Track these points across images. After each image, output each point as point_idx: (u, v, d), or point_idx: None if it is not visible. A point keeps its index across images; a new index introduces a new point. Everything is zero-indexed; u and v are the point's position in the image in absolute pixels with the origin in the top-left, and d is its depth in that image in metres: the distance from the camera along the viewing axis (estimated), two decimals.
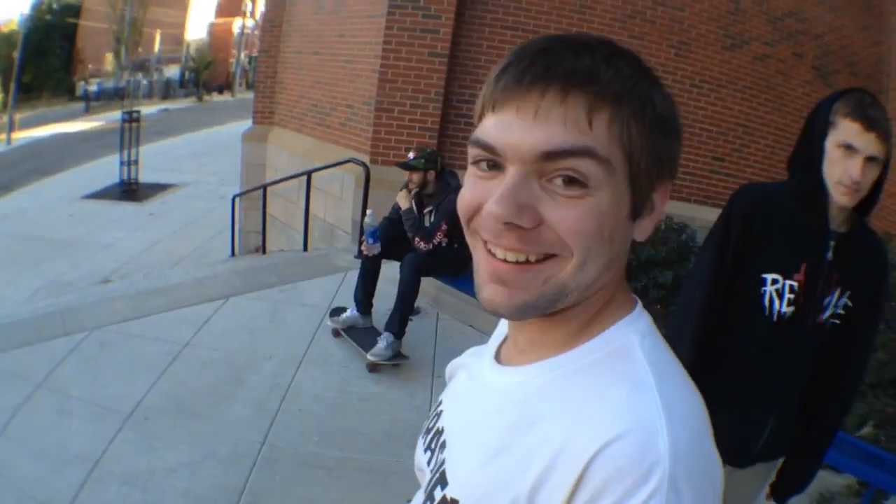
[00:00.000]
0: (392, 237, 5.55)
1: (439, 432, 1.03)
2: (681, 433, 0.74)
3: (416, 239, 5.43)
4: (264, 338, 5.63)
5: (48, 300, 7.42)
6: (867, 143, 2.00)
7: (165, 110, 38.10)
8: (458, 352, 4.06)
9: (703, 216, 8.26)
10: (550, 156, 0.77)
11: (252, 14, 57.68)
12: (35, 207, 15.07)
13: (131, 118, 16.57)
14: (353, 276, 6.71)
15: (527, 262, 0.81)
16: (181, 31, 53.24)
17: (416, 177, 5.51)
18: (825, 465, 3.53)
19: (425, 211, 5.57)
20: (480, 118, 0.85)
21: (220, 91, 53.28)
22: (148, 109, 18.72)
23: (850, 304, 2.21)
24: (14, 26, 52.75)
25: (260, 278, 6.86)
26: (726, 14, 8.58)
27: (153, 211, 14.90)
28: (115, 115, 30.65)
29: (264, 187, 9.34)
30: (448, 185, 5.54)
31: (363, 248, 5.53)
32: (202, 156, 21.64)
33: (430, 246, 5.41)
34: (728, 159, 8.96)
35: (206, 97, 48.71)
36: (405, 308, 5.30)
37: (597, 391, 0.80)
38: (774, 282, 2.17)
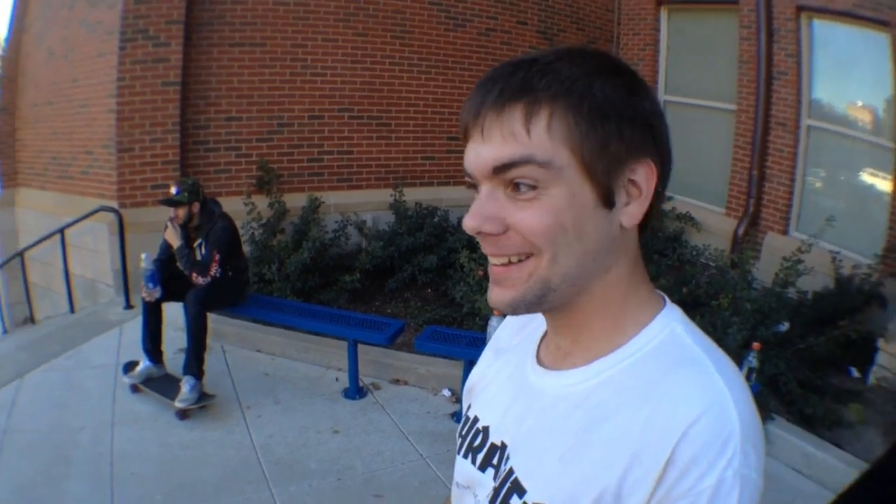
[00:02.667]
0: (167, 278, 5.42)
1: (498, 447, 1.07)
2: (743, 406, 0.86)
3: (194, 274, 5.34)
4: (70, 409, 5.39)
5: None
6: None
7: None
8: (254, 379, 3.95)
9: (449, 196, 8.62)
10: (497, 170, 0.90)
11: None
12: None
13: None
14: (129, 328, 6.59)
15: (510, 262, 0.93)
16: None
17: (182, 211, 5.37)
18: None
19: (195, 245, 5.46)
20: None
21: None
22: None
23: None
24: None
25: (44, 349, 6.57)
26: None
27: None
28: None
29: (20, 254, 8.87)
30: (213, 213, 5.47)
31: (143, 293, 5.36)
32: None
33: (209, 279, 5.34)
34: None
35: None
36: (199, 347, 5.21)
37: (662, 379, 0.89)
38: None
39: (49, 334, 7.24)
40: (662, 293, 1.03)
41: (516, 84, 0.89)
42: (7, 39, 10.75)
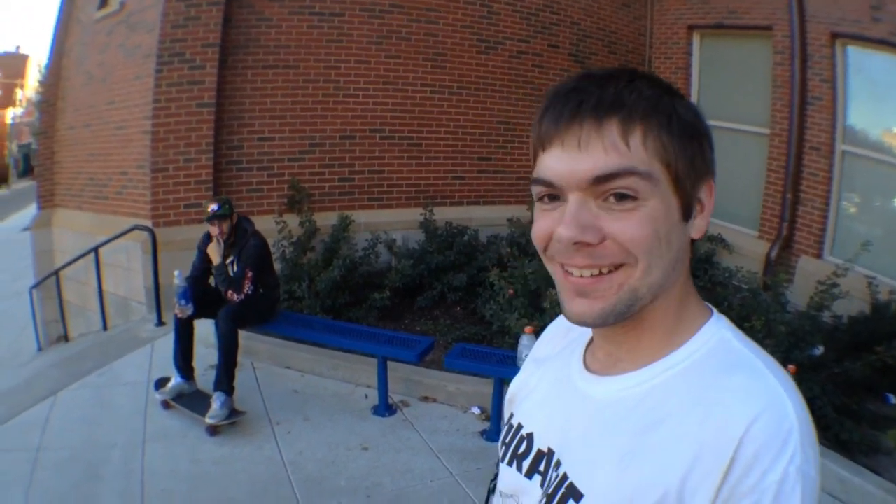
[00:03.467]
0: (199, 295, 5.45)
1: (545, 454, 1.07)
2: (799, 406, 0.88)
3: (229, 292, 5.37)
4: (101, 426, 5.39)
5: None
6: None
7: None
8: (284, 395, 3.94)
9: (479, 215, 8.64)
10: (599, 180, 0.89)
11: (21, 101, 55.56)
12: None
13: None
14: (161, 345, 6.61)
15: (600, 273, 0.93)
16: None
17: (226, 225, 5.42)
18: None
19: (227, 262, 5.49)
20: (535, 160, 0.97)
21: None
22: None
23: None
24: None
25: (76, 367, 6.61)
26: (479, 19, 8.92)
27: None
28: None
29: (56, 273, 8.98)
30: (245, 230, 5.51)
31: (177, 310, 5.38)
32: None
33: (242, 296, 5.37)
34: (494, 157, 9.31)
35: None
36: (230, 364, 5.22)
37: (715, 382, 0.91)
38: None
39: (82, 352, 7.31)
40: (709, 305, 1.05)
41: (610, 98, 0.90)
42: (48, 66, 10.98)
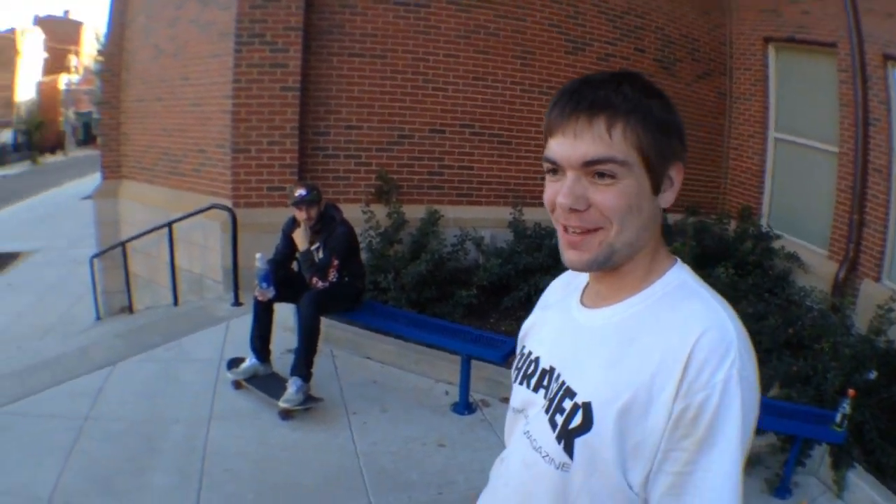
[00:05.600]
0: (281, 279, 5.40)
1: (548, 371, 1.37)
2: (738, 326, 1.18)
3: (313, 278, 5.32)
4: (165, 400, 5.35)
5: None
6: None
7: (3, 177, 36.78)
8: (363, 385, 3.93)
9: None
10: (588, 163, 1.19)
11: (77, 69, 55.57)
12: None
13: None
14: (236, 325, 6.57)
15: (586, 231, 1.23)
16: (9, 93, 51.00)
17: (314, 211, 5.36)
18: None
19: (313, 248, 5.43)
20: (546, 141, 1.27)
21: (53, 151, 51.30)
22: None
23: None
24: None
25: (142, 339, 6.58)
26: (566, 19, 8.79)
27: (10, 281, 14.15)
28: None
29: (122, 244, 8.98)
30: (333, 218, 5.45)
31: (257, 293, 5.32)
32: (47, 219, 20.92)
33: (327, 283, 5.32)
34: None
35: (41, 159, 46.99)
36: (310, 349, 5.15)
37: (677, 309, 1.22)
38: None
39: (149, 325, 7.31)
40: (675, 256, 1.35)
41: (601, 99, 1.19)
42: (107, 35, 10.94)
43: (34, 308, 12.14)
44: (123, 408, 5.21)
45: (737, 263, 7.67)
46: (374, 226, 7.47)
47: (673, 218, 8.67)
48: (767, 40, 9.78)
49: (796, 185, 9.57)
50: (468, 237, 7.73)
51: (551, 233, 7.93)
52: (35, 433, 4.83)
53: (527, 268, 7.26)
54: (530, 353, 1.45)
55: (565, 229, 1.25)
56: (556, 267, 7.42)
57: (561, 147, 1.22)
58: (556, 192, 1.23)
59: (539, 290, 6.90)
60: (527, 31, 8.56)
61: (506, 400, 5.57)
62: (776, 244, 8.82)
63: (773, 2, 9.57)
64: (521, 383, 1.43)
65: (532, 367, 1.42)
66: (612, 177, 1.18)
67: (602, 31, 9.07)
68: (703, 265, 7.26)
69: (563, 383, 1.28)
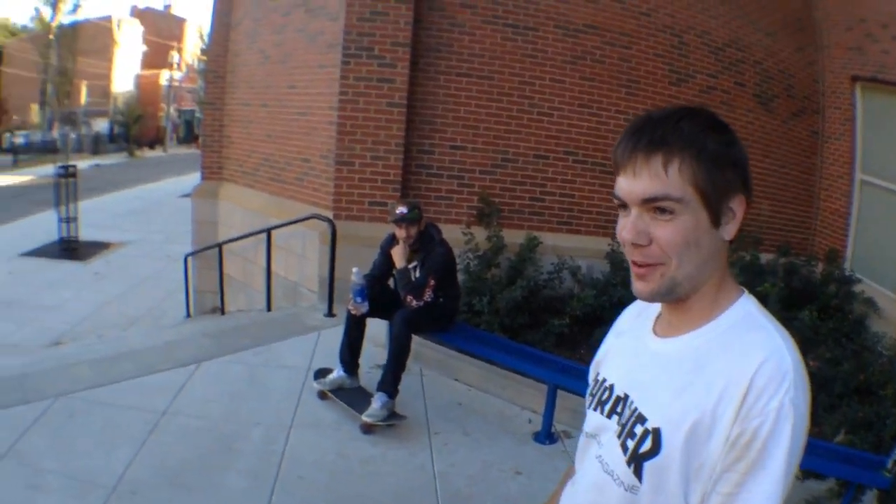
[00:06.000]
0: (375, 295, 5.41)
1: (622, 398, 1.42)
2: (795, 354, 1.23)
3: (409, 297, 5.30)
4: (247, 403, 5.41)
5: None
6: None
7: (97, 166, 37.39)
8: (447, 406, 3.93)
9: None
10: (646, 200, 1.26)
11: (179, 66, 56.60)
12: None
13: (67, 173, 16.03)
14: (328, 336, 6.61)
15: (649, 265, 1.29)
16: (107, 82, 52.27)
17: (414, 230, 5.36)
18: (809, 472, 4.54)
19: (411, 266, 5.43)
20: (615, 177, 1.33)
21: (152, 146, 52.36)
22: (79, 164, 18.49)
23: None
24: None
25: (232, 341, 6.68)
26: (671, 49, 8.70)
27: (98, 270, 14.47)
28: (46, 169, 29.95)
29: (219, 245, 9.16)
30: (432, 238, 5.45)
31: (351, 307, 5.35)
32: (141, 213, 21.28)
33: (422, 303, 5.29)
34: None
35: (138, 152, 47.85)
36: (398, 367, 5.16)
37: (742, 339, 1.27)
38: None
39: (240, 327, 7.44)
40: (741, 287, 1.39)
41: (657, 138, 1.25)
42: (211, 35, 11.17)
43: (122, 299, 12.42)
44: (205, 406, 5.29)
45: (821, 307, 7.59)
46: (474, 248, 7.42)
47: (765, 257, 8.51)
48: (854, 79, 9.65)
49: (878, 228, 9.43)
50: (565, 266, 7.66)
51: None
52: (109, 422, 4.91)
53: (620, 301, 7.18)
54: (605, 380, 1.51)
55: (633, 262, 1.33)
56: None
57: (624, 184, 1.30)
58: (623, 227, 1.31)
59: None
60: (632, 59, 8.47)
61: None
62: (856, 288, 8.66)
63: (858, 40, 9.45)
64: (595, 409, 1.50)
65: (606, 394, 1.48)
66: (671, 213, 1.25)
67: (705, 63, 8.95)
68: (790, 307, 7.22)
69: (636, 409, 1.35)
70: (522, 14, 8.07)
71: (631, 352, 1.49)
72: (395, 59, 7.73)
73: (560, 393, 5.38)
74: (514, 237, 7.76)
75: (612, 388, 1.47)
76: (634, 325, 1.55)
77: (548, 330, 6.75)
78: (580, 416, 4.77)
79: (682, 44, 8.76)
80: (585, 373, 4.91)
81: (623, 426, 1.36)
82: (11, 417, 4.84)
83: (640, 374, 1.41)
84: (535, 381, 5.78)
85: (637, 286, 1.34)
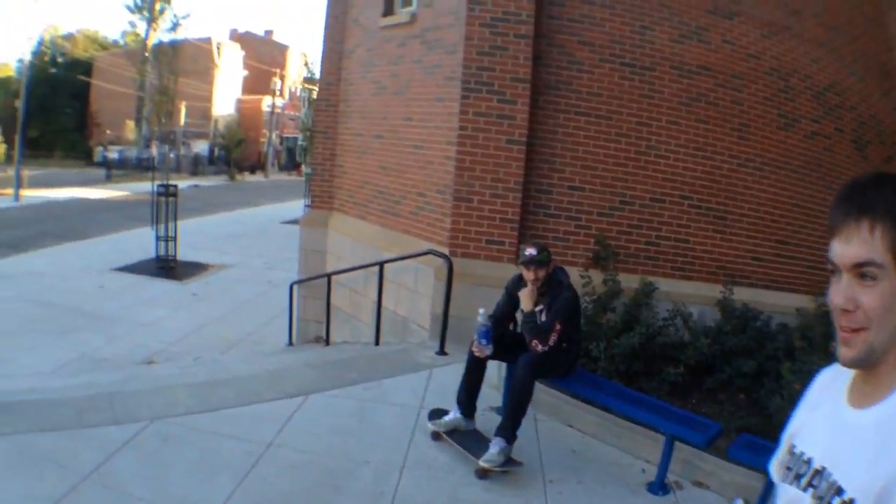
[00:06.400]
0: (497, 337, 5.32)
1: (819, 471, 1.41)
2: None
3: (534, 342, 5.19)
4: (357, 440, 5.37)
5: (82, 377, 7.14)
6: None
7: (196, 186, 38.32)
8: (561, 453, 4.64)
9: (772, 301, 8.10)
10: (856, 266, 1.27)
11: (281, 93, 57.61)
12: (54, 273, 14.84)
13: (168, 192, 16.26)
14: (439, 375, 6.60)
15: (854, 330, 1.30)
16: (207, 104, 53.58)
17: (543, 273, 5.29)
18: None
19: (536, 309, 5.33)
20: (830, 242, 1.34)
21: (252, 171, 53.43)
22: (178, 184, 18.96)
23: None
24: (10, 72, 52.89)
25: (339, 374, 6.68)
26: (778, 93, 8.53)
27: (195, 291, 14.72)
28: (140, 186, 30.81)
29: (328, 276, 9.22)
30: (560, 282, 5.36)
31: (475, 348, 5.28)
32: (242, 237, 21.55)
33: (546, 347, 5.17)
34: (790, 242, 8.82)
35: (238, 176, 48.80)
36: (519, 412, 5.07)
37: None
38: None
39: (347, 360, 7.43)
40: None
41: (866, 205, 1.27)
42: (323, 64, 11.32)
43: (220, 321, 12.54)
44: (313, 441, 5.26)
45: None
46: (590, 291, 7.30)
47: None
48: None
49: None
50: (679, 312, 7.50)
51: (757, 314, 7.66)
52: (208, 451, 4.90)
53: (732, 349, 7.02)
54: (802, 454, 1.51)
55: (840, 327, 1.33)
56: (758, 350, 7.22)
57: (838, 249, 1.31)
58: (835, 292, 1.32)
59: (741, 374, 6.68)
60: (744, 102, 8.30)
61: (699, 484, 5.42)
62: None
63: None
64: (790, 483, 1.50)
65: (804, 468, 1.47)
66: (873, 278, 1.26)
67: (808, 107, 8.75)
68: None
69: (834, 482, 1.35)
70: (639, 53, 7.99)
71: (827, 425, 1.49)
72: (514, 96, 7.70)
73: (675, 443, 5.26)
74: (628, 281, 7.62)
75: (809, 461, 1.47)
76: (826, 397, 1.55)
77: (662, 378, 6.61)
78: (693, 468, 4.73)
79: (788, 87, 8.59)
80: (703, 424, 4.83)
81: (820, 498, 1.37)
82: (99, 437, 4.84)
83: (837, 447, 1.41)
84: (649, 430, 5.65)
85: (842, 351, 1.35)
